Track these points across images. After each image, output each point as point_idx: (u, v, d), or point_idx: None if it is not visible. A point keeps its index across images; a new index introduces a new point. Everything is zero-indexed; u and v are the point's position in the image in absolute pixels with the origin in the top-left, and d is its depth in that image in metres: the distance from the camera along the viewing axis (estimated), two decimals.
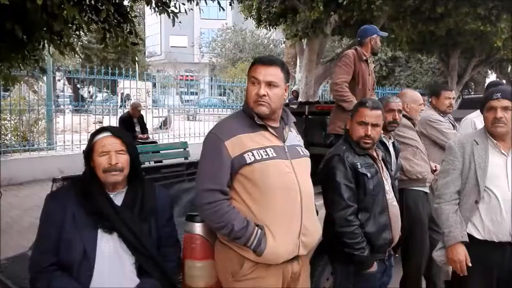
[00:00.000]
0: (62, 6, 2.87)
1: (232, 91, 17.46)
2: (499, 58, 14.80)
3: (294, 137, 2.10)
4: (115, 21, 4.02)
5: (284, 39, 11.62)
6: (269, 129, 1.97)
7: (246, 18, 10.68)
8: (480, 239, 2.34)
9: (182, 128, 10.90)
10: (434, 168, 3.47)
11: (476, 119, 3.97)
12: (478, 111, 4.10)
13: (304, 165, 2.04)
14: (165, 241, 2.01)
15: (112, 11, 3.81)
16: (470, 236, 2.35)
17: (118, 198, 1.94)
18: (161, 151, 7.36)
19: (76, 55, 4.03)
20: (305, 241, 1.96)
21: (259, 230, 1.85)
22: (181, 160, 5.84)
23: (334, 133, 3.79)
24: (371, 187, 2.31)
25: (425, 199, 3.37)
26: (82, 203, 1.87)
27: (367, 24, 4.28)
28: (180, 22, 3.91)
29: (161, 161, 7.03)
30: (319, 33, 8.87)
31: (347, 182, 2.27)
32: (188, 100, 17.40)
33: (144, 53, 32.58)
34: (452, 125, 3.94)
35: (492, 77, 22.32)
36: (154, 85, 14.10)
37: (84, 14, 3.94)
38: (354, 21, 8.41)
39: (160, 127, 12.32)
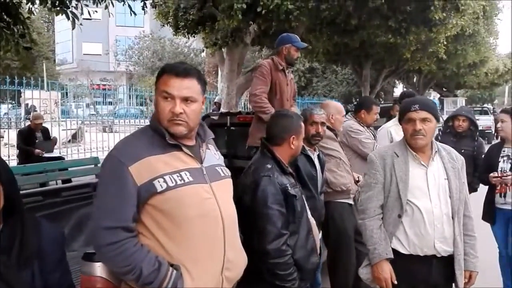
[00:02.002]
0: None
1: (151, 100, 16.80)
2: (407, 69, 15.99)
3: (212, 156, 1.83)
4: (4, 22, 3.46)
5: (203, 48, 11.39)
6: (184, 148, 1.68)
7: (163, 25, 10.28)
8: (405, 253, 2.29)
9: (95, 141, 10.13)
10: (357, 179, 3.45)
11: (391, 128, 4.07)
12: (393, 119, 4.28)
13: (225, 187, 1.79)
14: None
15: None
16: (395, 251, 2.30)
17: None
18: (69, 168, 6.67)
19: None
20: (229, 276, 1.71)
21: (174, 271, 1.56)
22: (91, 178, 5.30)
23: (254, 145, 3.64)
24: (299, 208, 2.15)
25: (350, 211, 3.33)
26: None
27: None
28: (81, 24, 3.48)
29: (69, 180, 6.38)
30: (239, 42, 8.79)
31: (279, 207, 2.10)
32: (103, 111, 16.38)
33: (54, 61, 30.35)
34: (373, 135, 3.99)
35: (399, 87, 24.15)
36: (65, 95, 13.03)
37: None
38: (273, 31, 8.45)
39: (70, 140, 11.35)
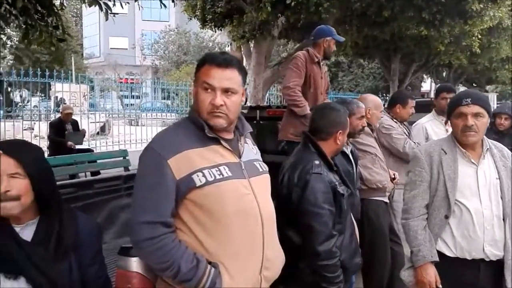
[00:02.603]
0: None
1: (177, 94, 16.92)
2: (436, 63, 15.49)
3: (250, 150, 1.77)
4: (38, 14, 3.47)
5: (230, 42, 11.35)
6: (222, 142, 1.62)
7: (190, 19, 10.28)
8: (451, 256, 2.16)
9: (123, 134, 10.25)
10: (393, 176, 3.32)
11: (426, 124, 3.91)
12: (429, 115, 4.10)
13: (263, 183, 1.71)
14: (92, 284, 1.60)
15: (34, 2, 3.27)
16: (440, 253, 2.17)
17: (27, 232, 1.51)
18: (98, 161, 6.75)
19: None
20: (267, 275, 1.64)
21: (213, 269, 1.50)
22: (118, 171, 5.33)
23: (285, 139, 3.56)
24: (346, 207, 2.05)
25: (385, 209, 3.21)
26: None
27: (314, 27, 4.05)
28: (114, 16, 3.45)
29: (98, 172, 6.46)
30: (267, 35, 8.69)
31: (330, 207, 2.00)
32: (130, 104, 16.61)
33: (82, 54, 30.98)
34: (408, 131, 3.83)
35: (428, 81, 23.52)
36: (92, 88, 13.25)
37: None
38: (301, 24, 8.30)
39: (98, 133, 11.53)
